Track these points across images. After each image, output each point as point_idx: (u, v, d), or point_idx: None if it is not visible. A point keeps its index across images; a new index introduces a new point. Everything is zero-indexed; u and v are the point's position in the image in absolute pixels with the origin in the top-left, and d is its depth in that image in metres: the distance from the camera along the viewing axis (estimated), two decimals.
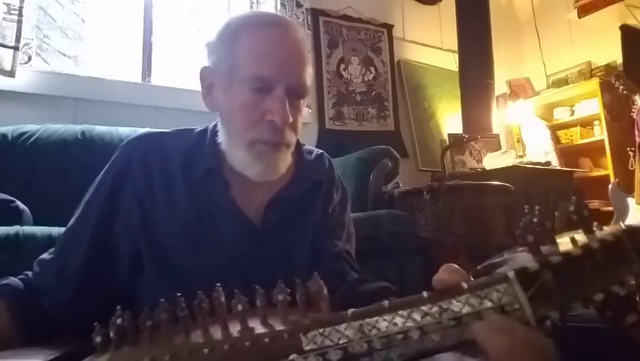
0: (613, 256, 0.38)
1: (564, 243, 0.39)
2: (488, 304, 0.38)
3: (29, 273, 0.75)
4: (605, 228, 0.40)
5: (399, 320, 0.40)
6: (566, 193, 2.65)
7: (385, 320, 0.40)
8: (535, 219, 0.39)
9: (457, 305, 0.39)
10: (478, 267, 0.43)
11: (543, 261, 0.38)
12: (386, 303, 0.41)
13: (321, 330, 0.41)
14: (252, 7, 2.51)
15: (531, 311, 0.38)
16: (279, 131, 0.72)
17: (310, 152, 0.90)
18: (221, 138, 0.78)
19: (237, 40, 0.72)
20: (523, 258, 0.40)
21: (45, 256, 0.76)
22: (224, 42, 0.74)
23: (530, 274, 0.39)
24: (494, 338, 0.38)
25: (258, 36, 0.72)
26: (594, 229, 0.39)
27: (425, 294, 0.41)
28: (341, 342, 0.40)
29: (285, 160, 0.76)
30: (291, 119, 0.71)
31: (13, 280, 0.73)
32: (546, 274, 0.38)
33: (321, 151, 0.92)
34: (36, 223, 1.27)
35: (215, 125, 0.81)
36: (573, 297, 0.38)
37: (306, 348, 0.40)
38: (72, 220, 0.77)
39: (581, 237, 0.39)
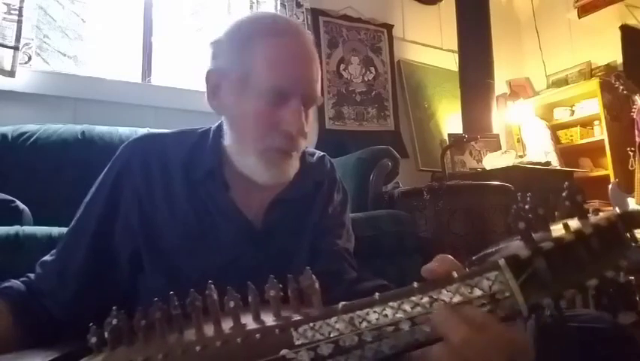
0: (607, 241, 0.37)
1: (557, 229, 0.38)
2: (478, 292, 0.38)
3: (31, 275, 0.75)
4: (601, 213, 0.39)
5: (389, 312, 0.39)
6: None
7: (376, 311, 0.40)
8: (527, 207, 0.38)
9: (447, 295, 0.39)
10: (473, 257, 0.43)
11: (534, 248, 0.38)
12: (377, 295, 0.41)
13: (311, 324, 0.40)
14: (251, 7, 2.50)
15: (522, 299, 0.37)
16: (293, 139, 0.73)
17: (312, 154, 0.90)
18: (228, 141, 0.77)
19: (252, 47, 0.71)
20: (515, 246, 0.39)
21: (47, 257, 0.76)
22: (235, 46, 0.73)
23: (522, 261, 0.38)
24: (455, 327, 0.38)
25: (274, 46, 0.71)
26: (588, 214, 0.39)
27: (415, 285, 0.41)
28: (332, 336, 0.40)
29: (295, 165, 0.76)
30: (306, 129, 0.72)
31: (15, 282, 0.73)
32: (538, 261, 0.37)
33: (323, 153, 0.93)
34: (36, 223, 1.26)
35: (219, 127, 0.80)
36: (567, 284, 0.37)
37: (297, 343, 0.40)
38: (73, 222, 0.77)
39: (574, 223, 0.38)
